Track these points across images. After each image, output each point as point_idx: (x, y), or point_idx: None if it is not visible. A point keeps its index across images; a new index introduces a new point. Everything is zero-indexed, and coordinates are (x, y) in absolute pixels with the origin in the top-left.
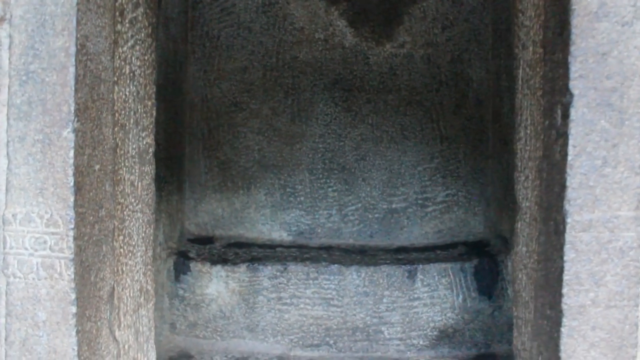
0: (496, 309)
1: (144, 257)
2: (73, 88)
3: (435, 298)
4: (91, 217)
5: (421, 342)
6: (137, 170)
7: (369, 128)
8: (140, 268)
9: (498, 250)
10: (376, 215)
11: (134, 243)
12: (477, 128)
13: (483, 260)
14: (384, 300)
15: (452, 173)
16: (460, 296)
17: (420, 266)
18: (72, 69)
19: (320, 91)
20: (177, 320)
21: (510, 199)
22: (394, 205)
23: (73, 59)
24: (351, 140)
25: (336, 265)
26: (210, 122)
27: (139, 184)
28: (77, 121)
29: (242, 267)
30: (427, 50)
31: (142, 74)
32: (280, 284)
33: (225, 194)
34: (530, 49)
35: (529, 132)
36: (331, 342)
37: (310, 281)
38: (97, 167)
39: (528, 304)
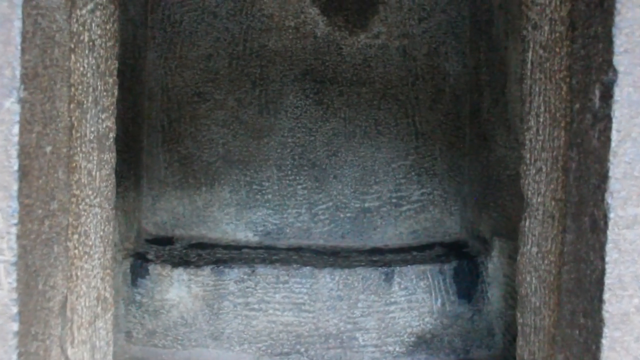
0: (475, 313)
1: (102, 260)
2: (19, 48)
3: (413, 302)
4: (40, 211)
5: (397, 349)
6: (95, 158)
7: (341, 122)
8: (98, 272)
9: (477, 252)
10: (348, 215)
11: (90, 243)
12: (454, 124)
13: (462, 262)
14: (359, 304)
15: (427, 171)
16: (439, 300)
17: (398, 268)
18: (17, 23)
19: (290, 82)
20: (133, 328)
21: (489, 197)
22: (366, 204)
23: (19, 11)
24: (322, 135)
25: (308, 267)
26: (170, 113)
27: (97, 173)
28: (24, 90)
29: (206, 270)
30: (402, 42)
31: (103, 45)
32: (247, 288)
33: (186, 190)
34: (546, 28)
35: (542, 120)
36: (302, 350)
37: (280, 285)
38: (48, 149)
39: (540, 310)
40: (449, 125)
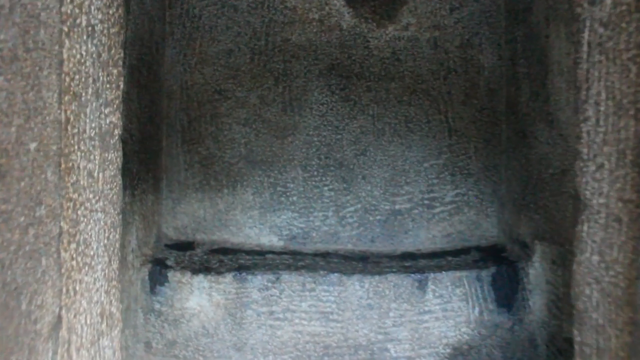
0: (516, 323)
1: (106, 271)
2: None
3: (449, 311)
4: (22, 218)
5: None
6: (97, 157)
7: (369, 119)
8: (102, 285)
9: (517, 256)
10: (378, 218)
11: (92, 253)
12: (489, 120)
13: (501, 267)
14: (391, 314)
15: (461, 170)
16: (477, 308)
17: (432, 275)
18: None
19: (314, 78)
20: (153, 338)
21: (530, 198)
22: (397, 206)
23: None
24: (349, 133)
25: (336, 274)
26: (190, 112)
27: (100, 175)
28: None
29: (228, 277)
30: (433, 34)
31: (106, 31)
32: (271, 296)
33: (207, 193)
34: (608, 1)
35: (603, 109)
36: None
37: (307, 293)
38: (32, 145)
39: (604, 329)
40: (484, 121)
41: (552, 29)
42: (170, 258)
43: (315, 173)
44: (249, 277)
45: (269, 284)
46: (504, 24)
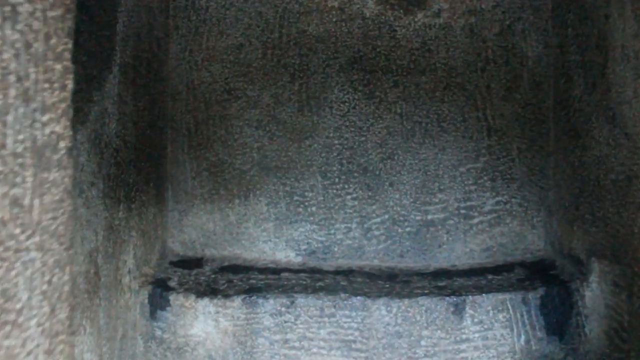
0: (569, 353)
1: (46, 325)
2: None
3: (490, 339)
4: None
5: None
6: (28, 178)
7: (397, 119)
8: (38, 346)
9: (569, 275)
10: (407, 230)
11: (19, 306)
12: (535, 117)
13: (552, 288)
14: (422, 342)
15: (503, 175)
16: (523, 337)
17: (470, 297)
18: None
19: (335, 73)
20: None
21: (585, 207)
22: (429, 217)
23: None
24: (375, 134)
25: (359, 297)
26: (197, 114)
27: (35, 201)
28: None
29: (237, 301)
30: (469, 20)
31: (39, 15)
32: (286, 322)
33: (217, 204)
34: None
35: None
36: None
37: (326, 319)
38: None
39: None
40: (528, 119)
41: (613, 7)
42: (174, 278)
43: (337, 180)
44: (260, 300)
45: (283, 309)
46: (550, 6)
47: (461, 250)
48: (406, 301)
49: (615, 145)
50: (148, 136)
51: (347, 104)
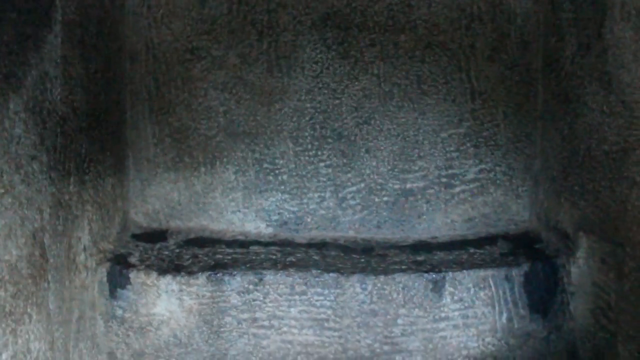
0: (552, 331)
1: None
2: None
3: (470, 317)
4: None
5: None
6: None
7: (374, 80)
8: None
9: (555, 250)
10: (385, 199)
11: None
12: (522, 79)
13: (536, 264)
14: (399, 321)
15: (487, 141)
16: (505, 314)
17: (450, 274)
18: None
19: (306, 30)
20: (117, 348)
21: (574, 178)
22: (408, 185)
23: None
24: (350, 97)
25: (332, 274)
26: (158, 75)
27: None
28: None
29: (201, 278)
30: None
31: None
32: (254, 300)
33: (182, 172)
34: None
35: None
36: None
37: (296, 297)
38: None
39: None
40: (515, 81)
41: None
42: (135, 253)
43: (309, 146)
44: (226, 278)
45: (251, 287)
46: None
47: (442, 221)
48: (382, 278)
49: (610, 113)
50: (103, 101)
51: (319, 64)
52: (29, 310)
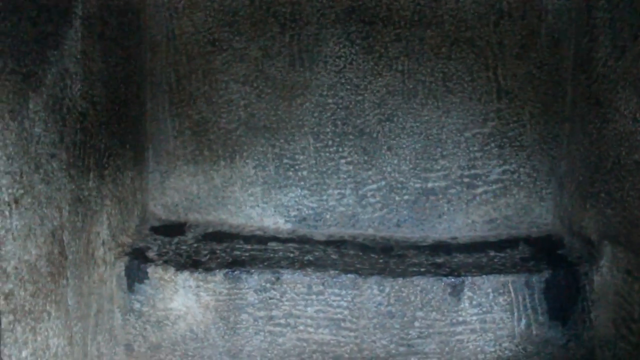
0: (572, 339)
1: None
2: None
3: (488, 322)
4: None
5: None
6: None
7: (398, 77)
8: None
9: (578, 256)
10: (405, 198)
11: None
12: (551, 79)
13: (558, 271)
14: (416, 323)
15: (512, 141)
16: (523, 321)
17: (469, 279)
18: None
19: (330, 24)
20: (134, 340)
21: (601, 185)
22: (430, 184)
23: None
24: (373, 93)
25: (350, 275)
26: (179, 67)
27: None
28: None
29: (218, 276)
30: None
31: None
32: (271, 299)
33: (201, 165)
34: None
35: None
36: None
37: (313, 296)
38: None
39: None
40: (543, 81)
41: None
42: (153, 247)
43: (330, 142)
44: (243, 276)
45: (268, 285)
46: None
47: (462, 221)
48: (400, 281)
49: None
50: (123, 94)
51: (343, 58)
52: (47, 307)
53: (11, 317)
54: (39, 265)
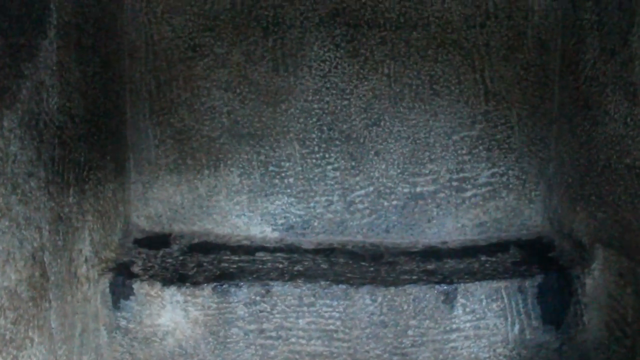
0: (565, 342)
1: None
2: None
3: (482, 329)
4: None
5: None
6: None
7: (384, 80)
8: None
9: (569, 259)
10: (394, 203)
11: None
12: (538, 80)
13: (550, 275)
14: (409, 332)
15: (500, 144)
16: (517, 326)
17: (462, 286)
18: None
19: (313, 27)
20: (121, 358)
21: (591, 187)
22: (418, 189)
23: None
24: (359, 97)
25: (341, 285)
26: (159, 74)
27: None
28: None
29: (207, 290)
30: None
31: None
32: (261, 312)
33: (184, 175)
34: None
35: None
36: None
37: (305, 308)
38: None
39: None
40: (530, 82)
41: None
42: (138, 262)
43: (316, 149)
44: (232, 289)
45: (258, 298)
46: None
47: (452, 225)
48: (392, 289)
49: (635, 126)
50: (101, 104)
51: (327, 62)
52: (30, 334)
53: None
54: (20, 291)
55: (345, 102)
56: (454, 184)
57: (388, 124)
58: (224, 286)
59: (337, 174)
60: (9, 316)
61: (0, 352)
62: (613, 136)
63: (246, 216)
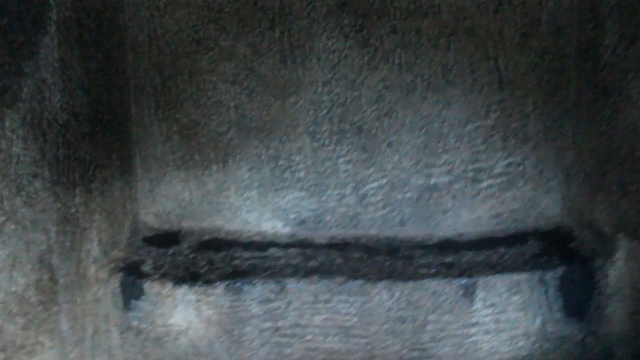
0: (588, 335)
1: None
2: None
3: (502, 322)
4: None
5: None
6: None
7: (395, 70)
8: None
9: (591, 250)
10: (408, 195)
11: None
12: (554, 67)
13: (572, 267)
14: (428, 327)
15: (516, 133)
16: (538, 318)
17: (482, 279)
18: None
19: (321, 18)
20: (134, 359)
21: (613, 176)
22: (433, 181)
23: None
24: (370, 88)
25: (358, 281)
26: (163, 69)
27: None
28: None
29: (219, 288)
30: None
31: None
32: (275, 309)
33: (192, 171)
34: None
35: None
36: None
37: (320, 304)
38: None
39: None
40: (546, 69)
41: None
42: (148, 260)
43: (327, 141)
44: (246, 287)
45: (272, 295)
46: None
47: (468, 217)
48: (410, 284)
49: None
50: (105, 101)
51: (336, 53)
52: (40, 338)
53: (1, 356)
54: (28, 295)
55: (356, 94)
56: (469, 174)
57: (400, 114)
58: (237, 284)
59: (349, 166)
60: (19, 322)
61: (12, 358)
62: (636, 124)
63: (257, 211)
